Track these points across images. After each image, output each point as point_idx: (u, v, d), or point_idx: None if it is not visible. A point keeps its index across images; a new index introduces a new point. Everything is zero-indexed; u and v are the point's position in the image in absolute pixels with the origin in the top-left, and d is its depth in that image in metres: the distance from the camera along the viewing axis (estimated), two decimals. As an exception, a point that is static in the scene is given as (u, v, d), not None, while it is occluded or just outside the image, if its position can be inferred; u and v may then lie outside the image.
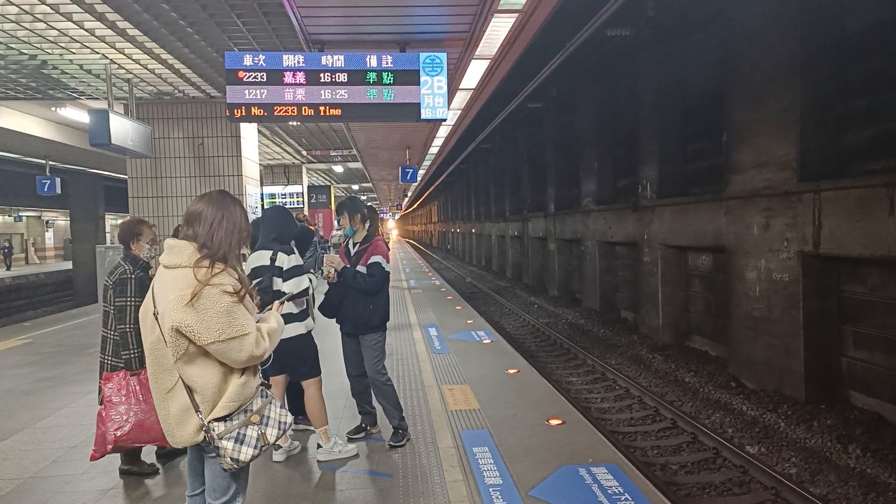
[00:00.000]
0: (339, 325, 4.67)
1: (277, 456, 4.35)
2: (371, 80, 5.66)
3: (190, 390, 2.20)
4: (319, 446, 4.39)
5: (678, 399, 8.31)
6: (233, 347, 2.15)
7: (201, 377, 2.18)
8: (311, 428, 4.63)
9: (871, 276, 7.19)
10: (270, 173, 19.24)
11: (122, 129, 7.21)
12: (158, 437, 3.73)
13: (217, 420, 2.20)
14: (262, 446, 2.26)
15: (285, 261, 4.15)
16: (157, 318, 2.21)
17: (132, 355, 3.79)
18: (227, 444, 2.19)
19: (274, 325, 2.36)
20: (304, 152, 17.33)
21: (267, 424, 2.30)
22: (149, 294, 2.30)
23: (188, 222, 2.29)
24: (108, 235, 31.67)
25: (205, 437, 2.20)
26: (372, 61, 5.67)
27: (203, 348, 2.15)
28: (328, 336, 7.07)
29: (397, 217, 65.05)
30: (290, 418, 2.40)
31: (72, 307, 18.80)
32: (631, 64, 12.74)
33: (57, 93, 8.55)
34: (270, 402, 2.37)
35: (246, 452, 2.21)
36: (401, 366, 7.08)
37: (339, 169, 21.09)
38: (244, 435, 2.22)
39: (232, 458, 2.19)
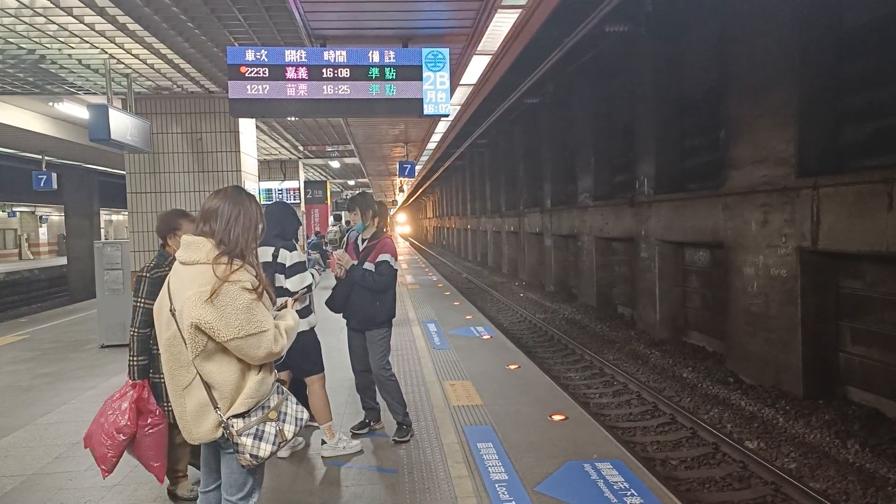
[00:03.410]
0: (345, 321, 4.68)
1: (282, 452, 4.35)
2: (373, 76, 5.64)
3: (208, 387, 2.20)
4: (324, 442, 4.40)
5: (677, 394, 8.35)
6: (251, 344, 2.16)
7: (219, 373, 2.19)
8: (315, 424, 4.63)
9: (870, 272, 7.23)
10: (267, 168, 19.17)
11: (122, 124, 7.17)
12: (97, 456, 3.32)
13: (236, 416, 2.20)
14: (280, 442, 2.27)
15: (287, 257, 4.13)
16: (173, 315, 2.20)
17: (133, 362, 3.42)
18: (247, 441, 2.19)
19: (291, 323, 2.37)
20: (301, 147, 17.28)
21: (284, 421, 2.31)
22: (164, 290, 2.29)
23: (204, 219, 2.28)
24: (102, 231, 31.52)
25: (223, 433, 2.21)
26: (374, 57, 5.65)
27: (222, 345, 2.15)
28: (330, 333, 7.08)
29: (393, 213, 64.87)
30: (305, 414, 2.41)
31: (66, 303, 18.71)
32: (629, 59, 12.73)
33: (55, 88, 8.48)
34: (287, 399, 2.38)
35: (265, 449, 2.22)
36: (402, 362, 7.08)
37: (335, 164, 21.03)
38: (262, 431, 2.23)
39: (251, 455, 2.19)
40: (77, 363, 7.51)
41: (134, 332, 3.43)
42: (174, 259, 3.33)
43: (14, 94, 8.82)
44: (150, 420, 3.34)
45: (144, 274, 3.47)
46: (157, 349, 3.14)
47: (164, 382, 3.01)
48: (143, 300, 3.42)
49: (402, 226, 69.28)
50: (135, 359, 3.42)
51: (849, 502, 5.27)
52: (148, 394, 3.38)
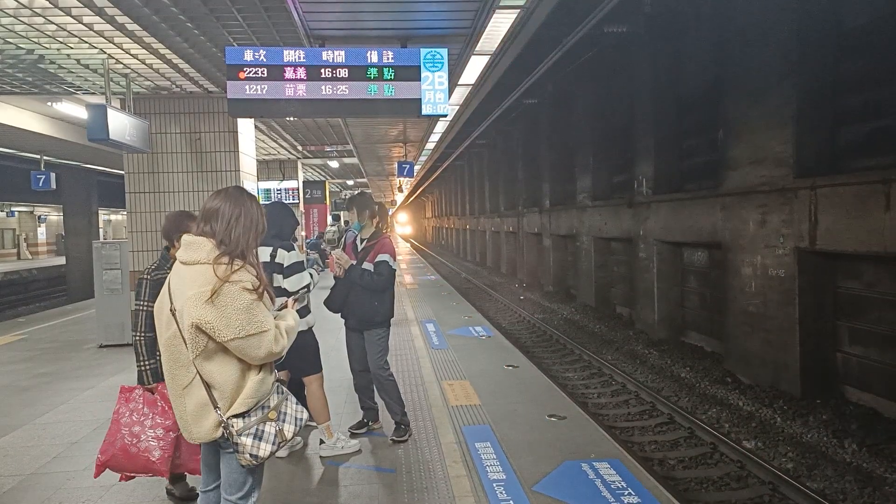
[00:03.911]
0: (343, 320, 4.68)
1: (280, 452, 4.36)
2: (372, 76, 5.65)
3: (208, 386, 2.20)
4: (322, 442, 4.40)
5: (675, 394, 8.36)
6: (252, 344, 2.16)
7: (220, 373, 2.19)
8: (314, 424, 4.64)
9: (867, 272, 7.25)
10: (266, 168, 19.15)
11: (120, 124, 7.18)
12: (142, 467, 3.28)
13: (235, 416, 2.20)
14: (280, 442, 2.27)
15: (285, 257, 4.14)
16: (174, 315, 2.21)
17: (143, 367, 3.33)
18: (247, 441, 2.19)
19: (291, 323, 2.37)
20: (299, 147, 17.28)
21: (284, 420, 2.31)
22: (164, 290, 2.29)
23: (205, 219, 2.28)
24: (101, 231, 31.52)
25: (223, 433, 2.21)
26: (373, 57, 5.66)
27: (222, 345, 2.15)
28: (328, 332, 7.09)
29: (392, 213, 64.68)
30: (305, 414, 2.42)
31: (65, 303, 18.70)
32: (627, 60, 12.76)
33: (53, 87, 8.48)
34: (286, 399, 2.38)
35: (265, 449, 2.22)
36: (400, 362, 7.09)
37: (334, 164, 21.02)
38: (262, 431, 2.23)
39: (251, 455, 2.20)
40: (75, 363, 7.51)
41: (140, 336, 3.32)
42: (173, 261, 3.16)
43: (13, 93, 8.83)
44: None
45: (146, 276, 3.37)
46: None
47: None
48: (145, 303, 3.31)
49: (402, 226, 68.73)
50: (145, 363, 3.32)
51: (846, 502, 5.29)
52: None
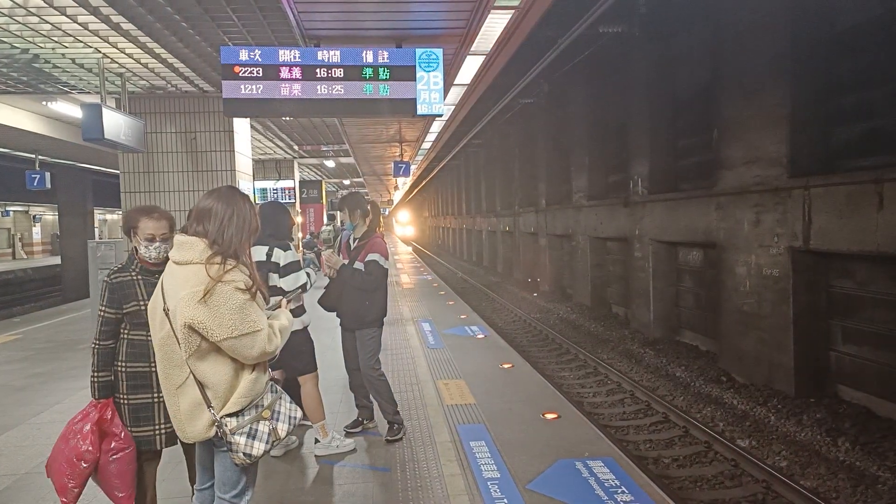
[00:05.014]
0: (338, 320, 4.70)
1: (275, 451, 4.36)
2: (367, 76, 5.65)
3: (201, 386, 2.21)
4: (317, 441, 4.41)
5: (670, 393, 8.39)
6: (245, 344, 2.17)
7: (213, 373, 2.20)
8: (308, 423, 4.64)
9: (860, 272, 7.29)
10: (262, 168, 19.14)
11: (115, 123, 7.18)
12: (59, 488, 2.78)
13: (229, 415, 2.21)
14: (274, 441, 2.28)
15: (282, 257, 4.14)
16: (167, 315, 2.22)
17: (93, 379, 2.82)
18: (240, 440, 2.20)
19: (285, 322, 2.38)
20: (295, 147, 17.28)
21: (278, 419, 2.32)
22: (157, 290, 2.30)
23: (198, 219, 2.28)
24: (96, 230, 31.45)
25: (216, 432, 2.22)
26: (368, 57, 5.67)
27: (215, 344, 2.16)
28: (324, 332, 7.08)
29: (388, 213, 64.39)
30: (299, 413, 2.43)
31: (60, 303, 18.65)
32: (622, 60, 12.78)
33: (49, 87, 8.47)
34: (280, 398, 2.39)
35: (258, 447, 2.23)
36: (396, 361, 7.10)
37: (330, 164, 21.02)
38: (256, 430, 2.24)
39: (245, 454, 2.21)
40: (70, 363, 7.50)
41: (95, 344, 2.86)
42: (139, 262, 2.88)
43: (7, 93, 8.82)
44: (113, 444, 2.78)
45: (105, 279, 2.94)
46: (123, 367, 2.81)
47: (126, 404, 2.80)
48: (103, 308, 2.88)
49: (401, 226, 67.67)
50: (96, 375, 2.83)
51: (839, 500, 5.32)
52: (112, 414, 2.82)
